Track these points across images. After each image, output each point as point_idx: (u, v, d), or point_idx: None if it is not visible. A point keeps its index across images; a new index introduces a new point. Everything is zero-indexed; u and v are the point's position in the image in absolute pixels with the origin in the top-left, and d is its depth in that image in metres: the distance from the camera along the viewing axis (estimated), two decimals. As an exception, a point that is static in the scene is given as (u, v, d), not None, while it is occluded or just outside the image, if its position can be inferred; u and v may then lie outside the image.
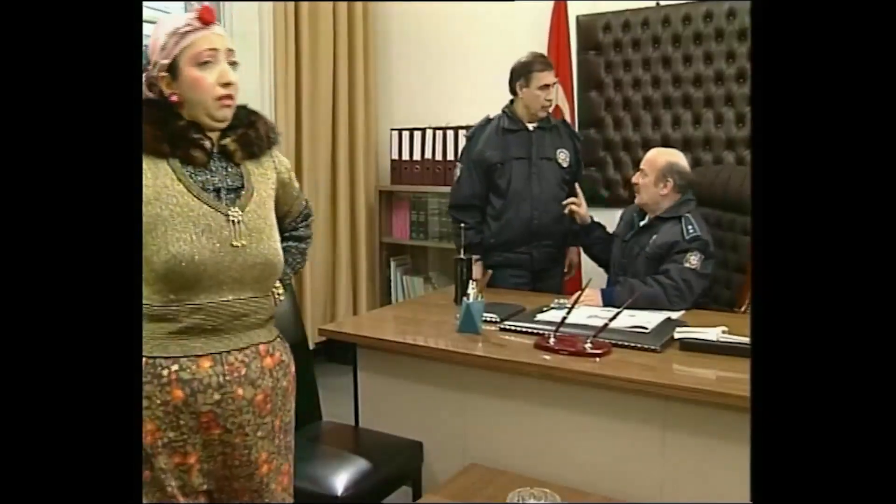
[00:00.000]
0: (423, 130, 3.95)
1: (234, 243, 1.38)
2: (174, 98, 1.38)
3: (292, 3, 3.70)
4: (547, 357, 1.93)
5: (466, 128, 3.10)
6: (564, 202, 2.85)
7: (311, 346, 2.81)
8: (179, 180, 1.37)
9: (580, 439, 1.89)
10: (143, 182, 1.33)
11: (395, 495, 2.10)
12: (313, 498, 1.85)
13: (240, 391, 1.41)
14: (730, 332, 1.95)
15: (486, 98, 3.16)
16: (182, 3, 3.57)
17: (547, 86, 2.84)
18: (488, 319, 2.23)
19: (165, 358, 1.35)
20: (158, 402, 1.35)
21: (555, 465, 1.90)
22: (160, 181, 1.36)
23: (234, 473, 1.44)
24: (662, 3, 3.42)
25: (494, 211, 2.90)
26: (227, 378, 1.39)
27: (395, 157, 4.06)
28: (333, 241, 4.03)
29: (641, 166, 2.58)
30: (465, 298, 2.17)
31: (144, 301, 1.35)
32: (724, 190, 2.82)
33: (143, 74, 1.40)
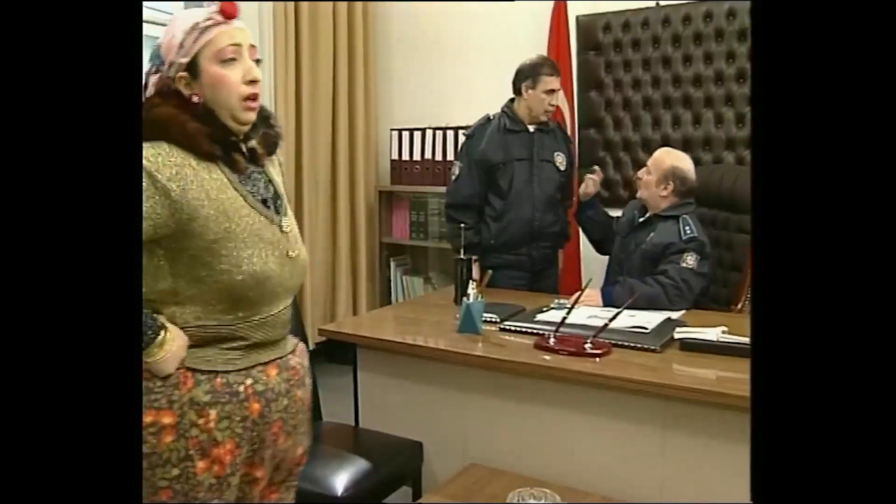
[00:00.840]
0: (423, 130, 3.95)
1: (291, 254, 1.34)
2: (195, 99, 1.26)
3: (292, 3, 3.70)
4: (547, 357, 1.93)
5: (466, 128, 3.09)
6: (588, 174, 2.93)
7: (311, 346, 2.81)
8: (236, 190, 1.28)
9: (580, 439, 1.89)
10: (208, 194, 1.24)
11: (395, 495, 2.10)
12: (313, 498, 1.85)
13: (299, 393, 1.40)
14: (730, 332, 1.95)
15: (486, 98, 3.16)
16: (182, 2, 3.57)
17: (552, 91, 2.84)
18: (488, 319, 2.23)
19: (237, 374, 1.29)
20: (238, 418, 1.28)
21: (555, 465, 1.90)
22: (224, 193, 1.26)
23: (272, 477, 1.43)
24: (662, 3, 3.42)
25: (495, 212, 2.88)
26: (291, 383, 1.38)
27: (395, 157, 4.06)
28: (333, 241, 4.03)
29: (648, 163, 2.59)
30: (465, 298, 2.17)
31: (203, 322, 1.27)
32: (717, 189, 2.83)
33: (157, 76, 1.28)
